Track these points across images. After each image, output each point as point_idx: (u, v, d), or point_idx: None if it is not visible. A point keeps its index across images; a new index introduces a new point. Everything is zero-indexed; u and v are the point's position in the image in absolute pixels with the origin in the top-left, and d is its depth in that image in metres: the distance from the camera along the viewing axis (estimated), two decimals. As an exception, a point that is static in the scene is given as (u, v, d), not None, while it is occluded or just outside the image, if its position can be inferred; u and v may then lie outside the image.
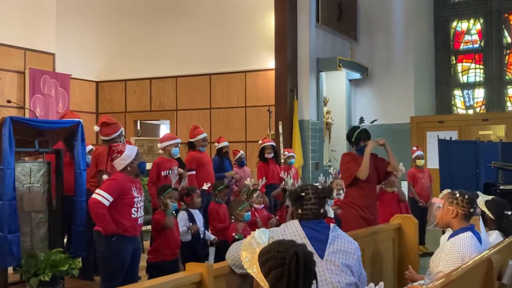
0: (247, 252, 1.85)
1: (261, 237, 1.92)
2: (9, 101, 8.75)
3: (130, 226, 4.29)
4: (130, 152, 4.38)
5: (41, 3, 11.86)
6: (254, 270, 1.77)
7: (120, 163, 4.35)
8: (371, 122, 5.64)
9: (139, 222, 4.40)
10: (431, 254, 6.52)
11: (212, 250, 5.46)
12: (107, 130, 5.55)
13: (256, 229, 2.05)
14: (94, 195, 4.22)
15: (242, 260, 1.85)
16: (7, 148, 4.34)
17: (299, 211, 2.78)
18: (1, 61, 10.98)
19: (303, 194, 2.79)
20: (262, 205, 6.11)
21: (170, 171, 5.99)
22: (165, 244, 4.85)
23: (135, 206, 4.32)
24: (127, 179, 4.33)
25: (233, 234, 5.19)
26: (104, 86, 13.08)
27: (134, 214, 4.31)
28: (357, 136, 5.29)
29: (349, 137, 5.42)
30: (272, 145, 8.19)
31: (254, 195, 6.01)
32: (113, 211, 4.22)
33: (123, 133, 5.71)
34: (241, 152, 8.30)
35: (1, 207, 4.34)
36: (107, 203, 4.17)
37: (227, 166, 7.72)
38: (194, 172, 6.57)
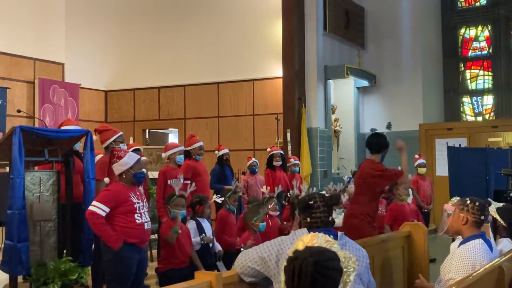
0: None
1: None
2: (19, 111, 8.81)
3: (136, 232, 4.27)
4: (129, 159, 4.36)
5: (50, 14, 11.97)
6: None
7: (117, 168, 4.35)
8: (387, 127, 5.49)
9: (146, 228, 4.35)
10: (433, 260, 6.49)
11: (220, 264, 5.38)
12: (101, 137, 5.59)
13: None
14: (90, 207, 4.23)
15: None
16: (17, 157, 4.36)
17: (308, 219, 2.78)
18: (11, 71, 11.07)
19: (312, 202, 2.79)
20: (278, 213, 6.12)
21: (176, 179, 5.98)
22: (172, 253, 4.84)
23: (138, 212, 4.28)
24: (123, 188, 4.32)
25: (242, 245, 5.15)
26: (112, 95, 13.15)
27: (139, 220, 4.28)
28: (387, 143, 5.26)
29: (376, 144, 5.26)
30: (280, 153, 8.21)
31: (271, 202, 6.02)
32: (117, 220, 4.21)
33: (123, 139, 5.66)
34: (253, 159, 8.28)
35: (11, 216, 4.36)
36: (103, 214, 4.16)
37: (228, 174, 7.68)
38: (189, 182, 6.53)
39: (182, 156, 6.27)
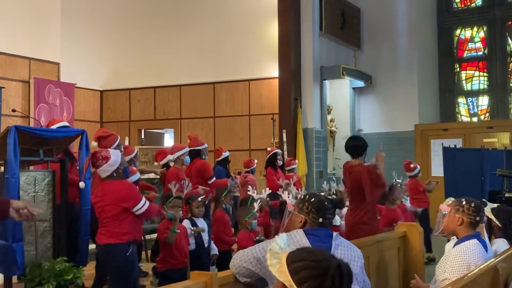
0: (273, 257, 1.83)
1: (282, 242, 1.91)
2: (14, 110, 8.79)
3: (139, 229, 4.33)
4: (116, 157, 4.29)
5: (46, 13, 11.94)
6: (283, 277, 1.74)
7: (107, 169, 4.24)
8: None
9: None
10: (433, 259, 6.47)
11: (213, 269, 5.34)
12: (105, 142, 5.55)
13: (280, 234, 2.05)
14: (145, 206, 4.24)
15: (269, 265, 1.83)
16: (12, 157, 4.35)
17: (320, 220, 2.79)
18: (6, 70, 11.04)
19: (326, 203, 2.83)
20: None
21: (184, 181, 5.95)
22: (171, 253, 4.83)
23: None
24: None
25: (255, 238, 5.15)
26: (108, 95, 13.13)
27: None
28: (366, 144, 5.27)
29: (358, 147, 5.23)
30: (281, 153, 8.27)
31: (257, 204, 5.98)
32: (127, 218, 4.20)
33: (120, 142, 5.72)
34: (255, 161, 8.39)
35: (6, 216, 4.34)
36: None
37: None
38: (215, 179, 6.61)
39: (188, 156, 6.37)
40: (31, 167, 5.21)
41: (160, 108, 12.60)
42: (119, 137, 5.67)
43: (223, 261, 5.33)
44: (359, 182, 5.12)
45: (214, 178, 6.58)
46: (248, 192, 6.10)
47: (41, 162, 4.91)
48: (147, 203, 4.26)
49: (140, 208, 4.20)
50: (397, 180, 6.64)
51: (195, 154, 6.67)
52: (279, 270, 1.74)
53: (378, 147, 5.32)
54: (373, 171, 5.07)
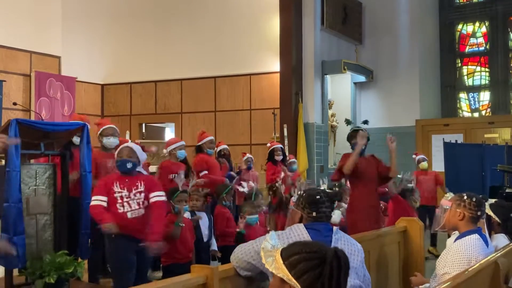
0: (267, 255, 1.83)
1: (273, 239, 1.90)
2: (15, 104, 8.78)
3: (120, 222, 4.20)
4: (143, 156, 4.51)
5: (47, 7, 11.91)
6: (281, 272, 1.74)
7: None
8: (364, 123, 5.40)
9: (129, 217, 4.25)
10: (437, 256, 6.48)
11: (214, 264, 5.35)
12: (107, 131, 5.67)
13: (271, 232, 2.04)
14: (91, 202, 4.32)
15: (265, 263, 1.82)
16: (13, 151, 4.34)
17: (314, 214, 2.78)
18: (7, 64, 11.03)
19: (318, 197, 2.80)
20: (264, 208, 6.15)
21: (178, 174, 5.99)
22: (175, 248, 4.83)
23: (120, 201, 4.24)
24: (110, 177, 4.38)
25: (237, 230, 5.21)
26: (109, 89, 13.12)
27: (120, 209, 4.24)
28: (350, 135, 5.43)
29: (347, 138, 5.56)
30: (281, 147, 8.24)
31: (258, 198, 6.01)
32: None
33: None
34: (248, 155, 8.32)
35: (7, 209, 4.35)
36: (104, 204, 4.23)
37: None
38: (206, 172, 6.64)
39: (183, 151, 6.36)
40: (32, 161, 5.21)
41: (161, 102, 12.59)
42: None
43: (226, 257, 5.34)
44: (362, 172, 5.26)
45: (203, 173, 6.64)
46: (239, 189, 6.17)
47: (42, 156, 4.91)
48: (95, 203, 4.26)
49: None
50: (405, 177, 6.62)
51: (197, 149, 6.83)
52: (276, 267, 1.75)
53: (387, 136, 5.44)
54: (342, 157, 5.24)
